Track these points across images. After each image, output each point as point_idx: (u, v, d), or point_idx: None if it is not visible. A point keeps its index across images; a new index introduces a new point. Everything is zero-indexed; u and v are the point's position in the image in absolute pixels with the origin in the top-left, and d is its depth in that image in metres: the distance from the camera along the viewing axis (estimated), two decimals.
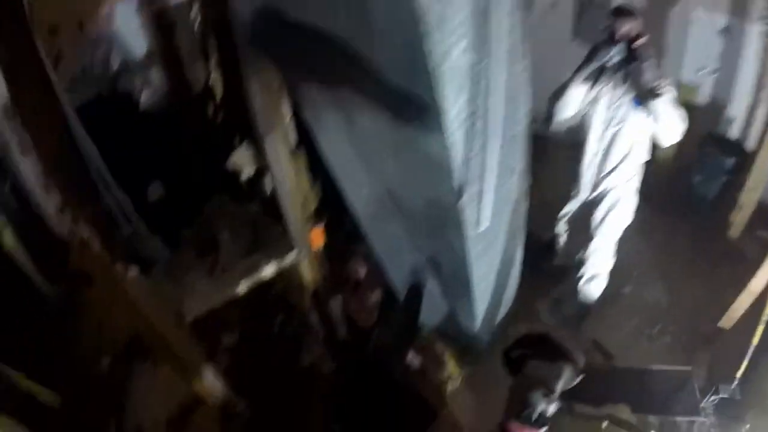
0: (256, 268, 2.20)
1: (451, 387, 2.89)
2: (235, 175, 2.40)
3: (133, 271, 1.59)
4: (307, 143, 2.22)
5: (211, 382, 2.16)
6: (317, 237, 2.50)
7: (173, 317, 1.84)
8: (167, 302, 1.81)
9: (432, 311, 2.87)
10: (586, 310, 2.99)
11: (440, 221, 1.93)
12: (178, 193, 2.33)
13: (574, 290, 2.97)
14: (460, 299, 2.51)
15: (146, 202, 2.27)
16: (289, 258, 2.31)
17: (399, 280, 2.89)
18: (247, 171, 2.40)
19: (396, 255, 2.70)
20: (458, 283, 2.32)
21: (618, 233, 2.75)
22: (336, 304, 3.06)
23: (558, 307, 3.11)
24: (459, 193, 1.62)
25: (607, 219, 2.70)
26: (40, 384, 2.37)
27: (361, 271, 3.41)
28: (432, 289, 2.69)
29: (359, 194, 2.41)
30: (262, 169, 2.41)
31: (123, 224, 1.57)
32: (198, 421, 2.45)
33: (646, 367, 2.49)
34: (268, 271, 2.24)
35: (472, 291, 2.28)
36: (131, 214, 1.59)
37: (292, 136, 2.14)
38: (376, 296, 3.30)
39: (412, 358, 2.99)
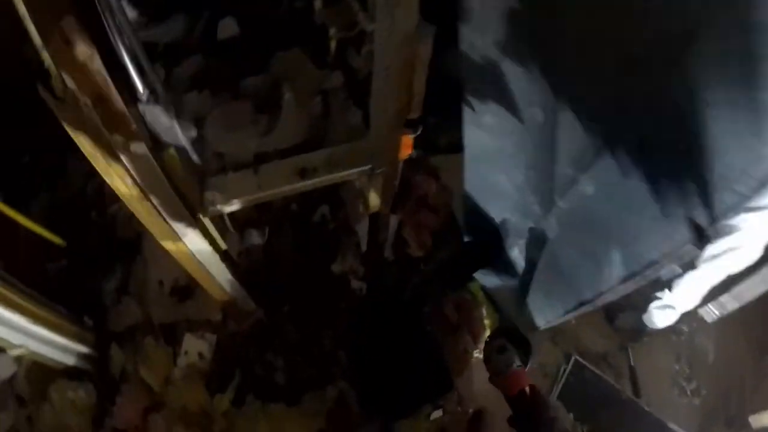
0: (313, 172, 1.65)
1: (477, 357, 2.53)
2: (322, 32, 1.73)
3: (139, 147, 1.08)
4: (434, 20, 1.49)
5: (224, 285, 1.80)
6: (405, 147, 1.87)
7: (187, 212, 1.38)
8: (184, 188, 1.34)
9: (497, 276, 2.37)
10: (642, 332, 2.69)
11: (617, 234, 1.27)
12: (252, 35, 1.75)
13: (641, 307, 2.55)
14: (547, 299, 1.94)
15: (215, 40, 1.72)
16: (362, 169, 1.74)
17: (475, 224, 2.33)
18: (341, 33, 1.72)
19: (488, 201, 2.11)
20: (562, 288, 1.74)
21: (721, 279, 2.15)
22: (393, 222, 2.58)
23: (615, 315, 2.78)
24: (702, 240, 0.95)
25: (720, 258, 2.04)
26: (48, 227, 2.13)
27: (430, 189, 2.85)
28: (514, 261, 2.12)
29: (481, 119, 1.73)
30: (361, 37, 1.72)
31: (140, 88, 1.01)
32: (203, 297, 2.19)
33: (665, 422, 2.50)
34: (331, 177, 1.70)
35: (571, 304, 1.72)
36: (152, 75, 1.02)
37: (415, 10, 1.37)
38: (435, 223, 2.79)
39: (451, 313, 2.58)
